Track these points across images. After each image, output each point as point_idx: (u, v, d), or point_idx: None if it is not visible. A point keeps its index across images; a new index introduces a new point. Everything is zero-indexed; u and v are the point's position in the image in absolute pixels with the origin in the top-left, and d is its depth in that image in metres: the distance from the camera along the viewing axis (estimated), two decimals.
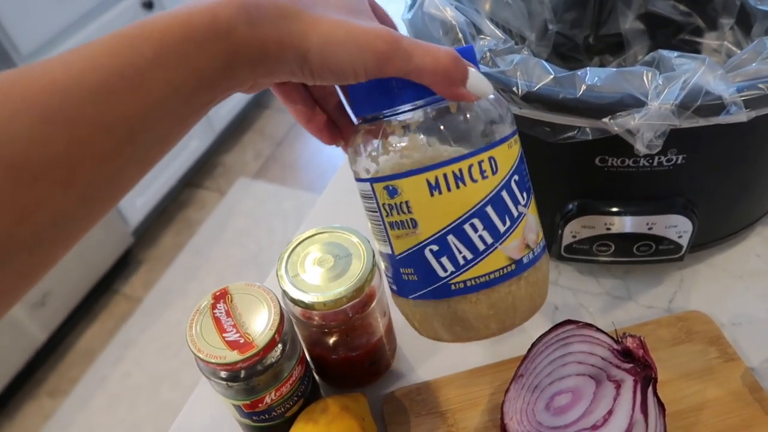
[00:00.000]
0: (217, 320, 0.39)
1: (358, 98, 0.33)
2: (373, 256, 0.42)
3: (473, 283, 0.34)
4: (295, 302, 0.40)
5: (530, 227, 0.36)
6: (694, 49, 0.61)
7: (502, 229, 0.33)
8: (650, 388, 0.37)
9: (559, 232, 0.50)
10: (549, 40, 0.62)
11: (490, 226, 0.33)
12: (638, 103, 0.39)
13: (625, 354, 0.38)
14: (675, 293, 0.52)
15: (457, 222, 0.33)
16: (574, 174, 0.47)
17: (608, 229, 0.48)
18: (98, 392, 1.53)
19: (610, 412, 0.36)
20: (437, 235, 0.33)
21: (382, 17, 0.33)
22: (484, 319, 0.35)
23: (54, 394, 1.54)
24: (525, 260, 0.35)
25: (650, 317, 0.50)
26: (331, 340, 0.44)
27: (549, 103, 0.41)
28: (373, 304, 0.43)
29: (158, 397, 1.51)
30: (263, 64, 0.25)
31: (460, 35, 0.46)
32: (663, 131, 0.39)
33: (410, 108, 0.32)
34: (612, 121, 0.40)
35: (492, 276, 0.34)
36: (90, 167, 0.20)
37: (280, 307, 0.40)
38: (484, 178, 0.32)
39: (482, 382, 0.46)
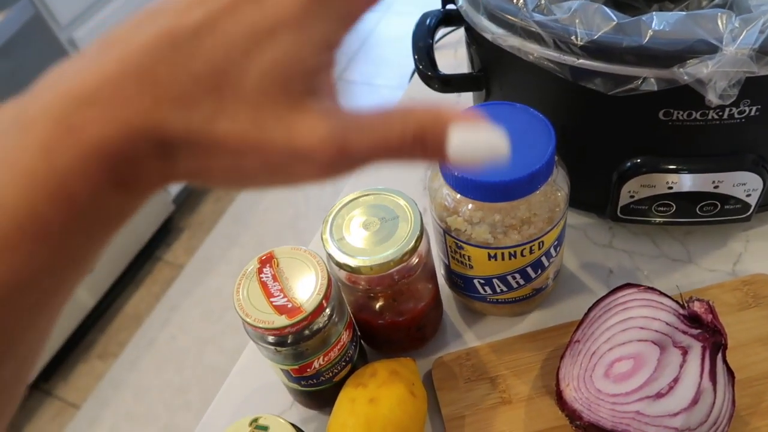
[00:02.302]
0: (263, 285, 0.38)
1: (460, 184, 0.39)
2: (421, 219, 0.40)
3: (503, 299, 0.45)
4: (341, 266, 0.39)
5: (554, 267, 0.45)
6: None
7: (533, 276, 0.43)
8: (719, 355, 0.35)
9: (616, 191, 0.47)
10: None
11: (525, 276, 0.43)
12: (711, 49, 0.36)
13: (692, 319, 0.36)
14: (740, 255, 0.49)
15: (502, 274, 0.43)
16: (635, 129, 0.44)
17: (670, 188, 0.46)
18: (146, 355, 1.58)
19: (675, 380, 0.35)
20: (485, 276, 0.43)
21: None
22: (506, 315, 0.49)
23: (104, 356, 1.60)
24: (543, 287, 0.46)
25: (712, 281, 0.47)
26: (377, 305, 0.43)
27: (611, 53, 0.38)
28: (420, 269, 0.41)
29: (203, 360, 1.55)
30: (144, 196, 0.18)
31: None
32: (738, 80, 0.36)
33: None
34: (681, 69, 0.37)
35: (517, 298, 0.46)
36: None
37: (327, 271, 0.39)
38: (531, 253, 0.41)
39: (534, 347, 0.45)
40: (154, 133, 0.17)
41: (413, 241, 0.39)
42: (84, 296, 1.54)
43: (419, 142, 0.18)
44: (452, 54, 0.74)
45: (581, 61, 0.40)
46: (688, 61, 0.36)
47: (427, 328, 0.46)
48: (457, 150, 0.18)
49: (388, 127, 0.18)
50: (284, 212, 1.80)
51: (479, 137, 0.19)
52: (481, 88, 0.53)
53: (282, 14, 0.18)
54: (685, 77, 0.36)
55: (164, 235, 1.78)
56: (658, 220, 0.48)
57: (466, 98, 0.66)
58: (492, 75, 0.51)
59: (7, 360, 0.17)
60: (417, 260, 0.40)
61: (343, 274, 0.41)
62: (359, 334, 0.46)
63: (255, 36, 0.18)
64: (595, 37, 0.38)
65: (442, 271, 0.48)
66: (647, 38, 0.37)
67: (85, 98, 0.16)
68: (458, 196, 0.40)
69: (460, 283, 0.45)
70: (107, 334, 1.64)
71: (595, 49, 0.39)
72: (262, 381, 0.48)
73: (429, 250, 0.42)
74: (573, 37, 0.39)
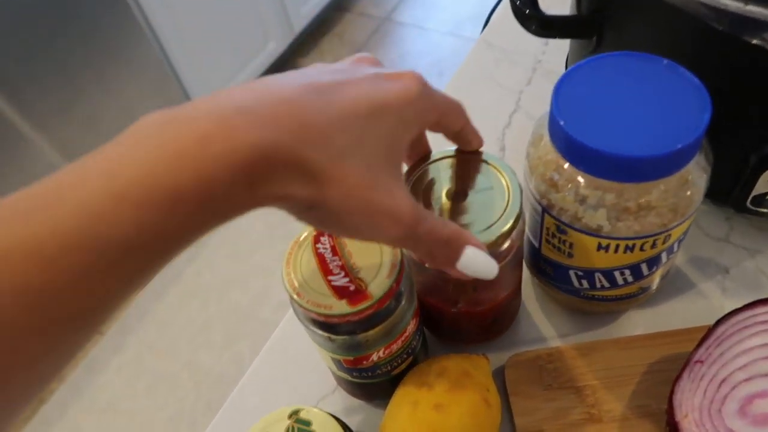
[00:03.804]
0: (320, 258, 0.31)
1: (577, 153, 0.31)
2: (521, 195, 0.32)
3: (600, 296, 0.38)
4: None
5: (670, 264, 0.37)
6: None
7: (645, 273, 0.35)
8: None
9: (752, 178, 0.38)
10: None
11: (636, 272, 0.35)
12: None
13: None
14: None
15: (608, 268, 0.35)
16: None
17: None
18: (172, 288, 1.56)
19: None
20: (586, 269, 0.35)
21: (468, 140, 0.31)
22: (598, 312, 0.41)
23: None
24: (652, 287, 0.38)
25: None
26: (453, 291, 0.35)
27: None
28: (511, 255, 0.33)
29: (228, 300, 1.52)
30: (252, 208, 0.20)
31: None
32: None
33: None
34: None
35: (618, 296, 0.38)
36: (15, 373, 0.17)
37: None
38: (653, 248, 0.33)
39: (631, 357, 0.37)
40: (291, 155, 0.19)
41: (509, 223, 0.31)
42: None
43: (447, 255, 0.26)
44: None
45: (750, 7, 0.31)
46: None
47: (504, 321, 0.39)
48: (465, 263, 0.26)
49: (440, 232, 0.25)
50: None
51: (482, 259, 0.27)
52: (591, 35, 0.43)
53: (398, 94, 0.24)
54: None
55: None
56: None
57: (558, 47, 0.57)
58: (609, 19, 0.41)
59: (102, 314, 0.18)
60: (509, 244, 0.33)
61: None
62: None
63: (372, 105, 0.22)
64: None
65: (525, 252, 0.40)
66: None
67: (245, 109, 0.19)
68: (568, 167, 0.32)
69: (550, 271, 0.38)
70: None
71: None
72: (302, 356, 0.42)
73: (523, 232, 0.34)
74: None
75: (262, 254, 1.59)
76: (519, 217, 0.31)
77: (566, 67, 0.50)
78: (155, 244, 0.18)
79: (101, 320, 0.18)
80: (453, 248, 0.25)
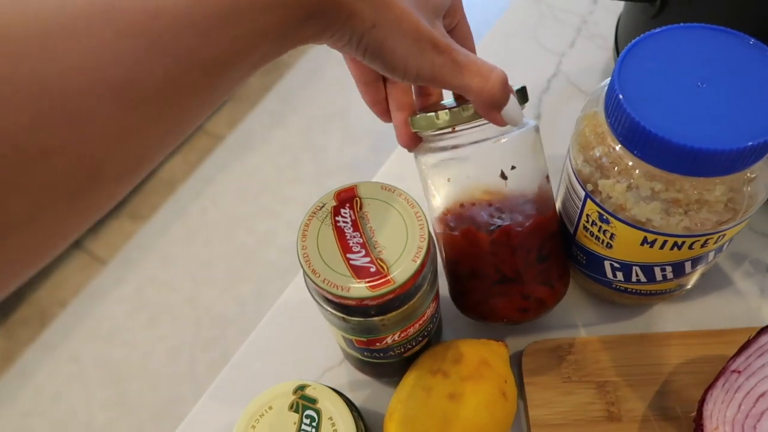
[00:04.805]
0: (339, 233, 0.28)
1: (635, 137, 0.27)
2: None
3: (633, 289, 0.35)
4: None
5: (714, 262, 0.34)
6: None
7: (687, 271, 0.33)
8: None
9: None
10: None
11: (678, 270, 0.32)
12: None
13: None
14: None
15: (649, 263, 0.32)
16: None
17: None
18: (176, 223, 1.55)
19: None
20: (624, 261, 0.33)
21: (464, 36, 0.32)
22: (625, 304, 0.38)
23: (135, 217, 1.57)
24: (689, 284, 0.36)
25: None
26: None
27: None
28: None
29: (233, 239, 1.51)
30: (330, 26, 0.23)
31: None
32: None
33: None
34: None
35: (653, 291, 0.35)
36: (182, 99, 0.20)
37: (427, 226, 0.28)
38: (703, 247, 0.30)
39: (661, 355, 0.35)
40: None
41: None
42: None
43: (499, 90, 0.26)
44: None
45: None
46: None
47: (551, 265, 0.33)
48: (507, 110, 0.27)
49: (481, 62, 0.26)
50: (334, 100, 1.67)
51: (517, 105, 0.27)
52: None
53: None
54: None
55: None
56: None
57: (607, 8, 0.52)
58: None
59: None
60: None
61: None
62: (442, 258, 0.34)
63: None
64: None
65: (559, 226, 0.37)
66: None
67: None
68: (621, 150, 0.29)
69: (582, 258, 0.35)
70: (140, 195, 1.60)
71: None
72: (309, 326, 0.40)
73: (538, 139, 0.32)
74: None
75: (269, 197, 1.57)
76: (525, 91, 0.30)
77: (616, 32, 0.46)
78: (256, 37, 0.20)
79: (215, 97, 0.20)
80: (502, 89, 0.26)
